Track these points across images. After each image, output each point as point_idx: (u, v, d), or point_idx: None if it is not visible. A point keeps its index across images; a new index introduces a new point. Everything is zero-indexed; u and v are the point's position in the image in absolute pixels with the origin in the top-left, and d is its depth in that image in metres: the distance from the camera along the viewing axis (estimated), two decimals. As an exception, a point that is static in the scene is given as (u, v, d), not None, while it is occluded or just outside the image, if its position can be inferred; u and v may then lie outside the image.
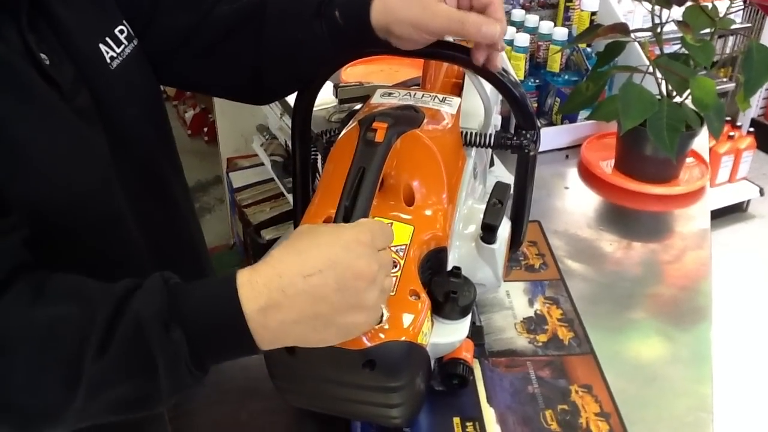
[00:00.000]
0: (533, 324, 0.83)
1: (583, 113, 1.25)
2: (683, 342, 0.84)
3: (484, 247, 0.69)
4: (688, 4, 1.05)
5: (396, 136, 0.62)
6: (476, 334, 0.77)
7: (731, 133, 2.59)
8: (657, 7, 1.06)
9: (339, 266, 0.50)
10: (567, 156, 1.22)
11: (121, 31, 0.69)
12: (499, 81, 0.67)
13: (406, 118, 0.67)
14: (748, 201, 2.72)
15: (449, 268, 0.66)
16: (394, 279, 0.59)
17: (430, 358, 0.63)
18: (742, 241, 2.59)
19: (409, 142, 0.64)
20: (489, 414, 0.71)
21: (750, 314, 2.25)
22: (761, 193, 2.69)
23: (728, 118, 2.69)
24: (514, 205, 0.77)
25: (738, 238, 2.60)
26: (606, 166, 1.16)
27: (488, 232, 0.68)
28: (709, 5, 1.06)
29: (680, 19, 1.03)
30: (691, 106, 1.04)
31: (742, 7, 1.98)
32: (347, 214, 0.57)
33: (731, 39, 2.70)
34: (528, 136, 0.70)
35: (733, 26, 1.09)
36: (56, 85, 0.59)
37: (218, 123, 2.35)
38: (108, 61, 0.66)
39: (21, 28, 0.58)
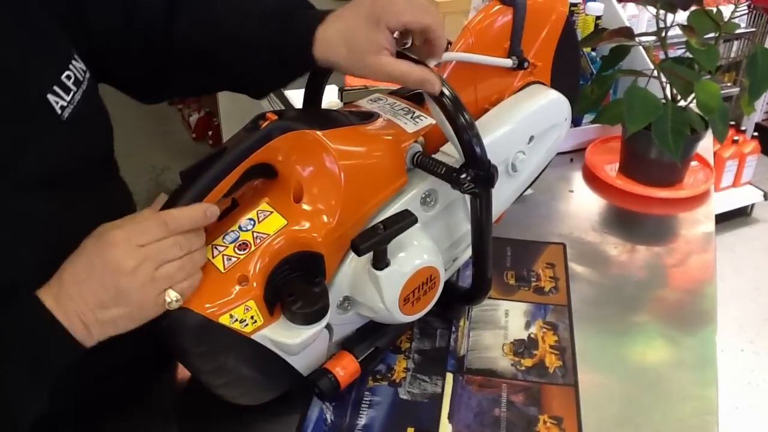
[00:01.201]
0: (522, 347, 0.81)
1: (588, 117, 1.25)
2: (688, 345, 0.84)
3: (371, 270, 0.67)
4: (693, 8, 1.05)
5: (280, 130, 0.62)
6: (369, 358, 0.74)
7: (735, 138, 2.59)
8: (662, 12, 1.06)
9: (97, 270, 0.56)
10: (572, 159, 1.23)
11: (68, 77, 0.63)
12: (447, 112, 0.66)
13: (322, 119, 0.66)
14: (752, 205, 2.72)
15: (336, 277, 0.68)
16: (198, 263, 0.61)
17: (255, 345, 0.63)
18: (747, 245, 2.59)
19: (303, 141, 0.64)
20: (446, 430, 0.70)
21: (754, 317, 2.24)
22: (765, 197, 2.69)
23: (733, 123, 2.69)
24: (473, 249, 0.74)
25: (742, 242, 2.59)
26: (610, 170, 1.17)
27: (363, 254, 0.64)
28: (714, 9, 1.06)
29: (685, 23, 1.03)
30: (696, 110, 1.04)
31: (747, 11, 1.98)
32: (185, 187, 0.60)
33: (736, 43, 2.70)
34: (468, 174, 0.66)
35: (738, 30, 1.09)
36: None
37: (223, 126, 2.36)
38: (59, 111, 0.61)
39: None
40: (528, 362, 0.79)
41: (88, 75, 0.66)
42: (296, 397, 0.73)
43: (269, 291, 0.63)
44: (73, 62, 0.64)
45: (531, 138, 0.81)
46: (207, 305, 0.60)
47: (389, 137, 0.70)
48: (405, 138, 0.71)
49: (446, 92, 0.66)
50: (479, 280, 0.77)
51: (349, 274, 0.68)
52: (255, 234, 0.63)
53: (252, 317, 0.62)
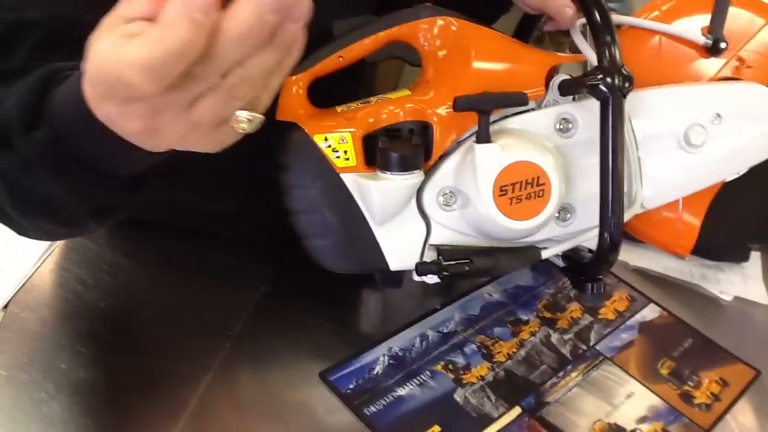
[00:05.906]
0: (620, 435, 0.67)
1: None
2: None
3: (471, 145, 0.64)
4: None
5: (429, 11, 0.65)
6: (456, 267, 0.66)
7: None
8: None
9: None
10: None
11: None
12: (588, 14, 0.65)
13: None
14: None
15: (443, 163, 0.66)
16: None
17: (340, 185, 0.64)
18: None
19: (448, 28, 0.66)
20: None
21: None
22: None
23: None
24: (600, 181, 0.62)
25: None
26: None
27: (459, 109, 0.64)
28: None
29: None
30: None
31: None
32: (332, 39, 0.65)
33: None
34: (598, 73, 0.61)
35: None
36: None
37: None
38: None
39: None
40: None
41: None
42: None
43: (370, 140, 0.65)
44: None
45: (717, 116, 0.72)
46: (310, 124, 0.65)
47: (535, 51, 0.70)
48: (551, 56, 0.69)
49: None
50: (601, 231, 0.63)
51: (456, 161, 0.66)
52: (379, 98, 0.68)
53: (345, 152, 0.64)
